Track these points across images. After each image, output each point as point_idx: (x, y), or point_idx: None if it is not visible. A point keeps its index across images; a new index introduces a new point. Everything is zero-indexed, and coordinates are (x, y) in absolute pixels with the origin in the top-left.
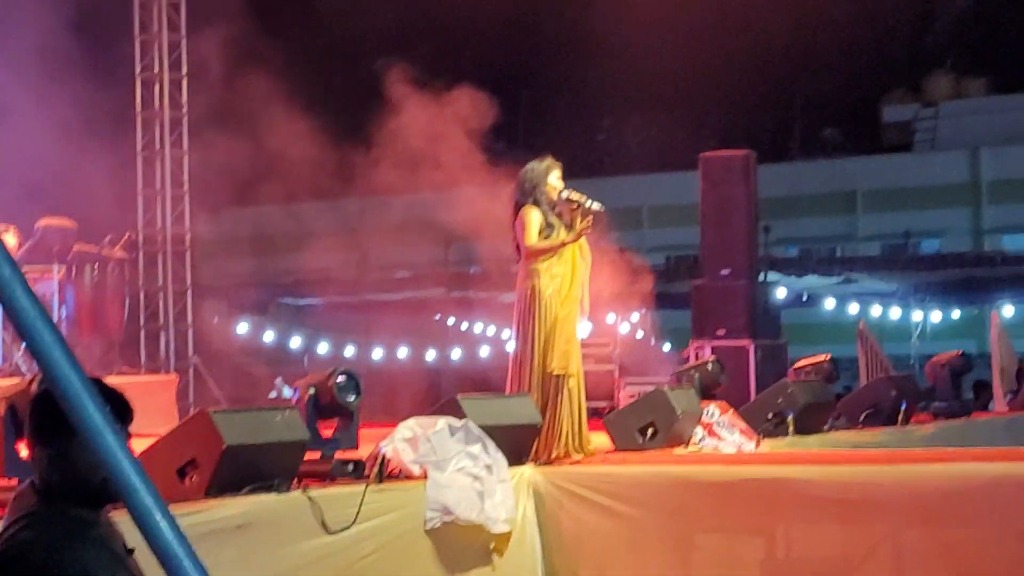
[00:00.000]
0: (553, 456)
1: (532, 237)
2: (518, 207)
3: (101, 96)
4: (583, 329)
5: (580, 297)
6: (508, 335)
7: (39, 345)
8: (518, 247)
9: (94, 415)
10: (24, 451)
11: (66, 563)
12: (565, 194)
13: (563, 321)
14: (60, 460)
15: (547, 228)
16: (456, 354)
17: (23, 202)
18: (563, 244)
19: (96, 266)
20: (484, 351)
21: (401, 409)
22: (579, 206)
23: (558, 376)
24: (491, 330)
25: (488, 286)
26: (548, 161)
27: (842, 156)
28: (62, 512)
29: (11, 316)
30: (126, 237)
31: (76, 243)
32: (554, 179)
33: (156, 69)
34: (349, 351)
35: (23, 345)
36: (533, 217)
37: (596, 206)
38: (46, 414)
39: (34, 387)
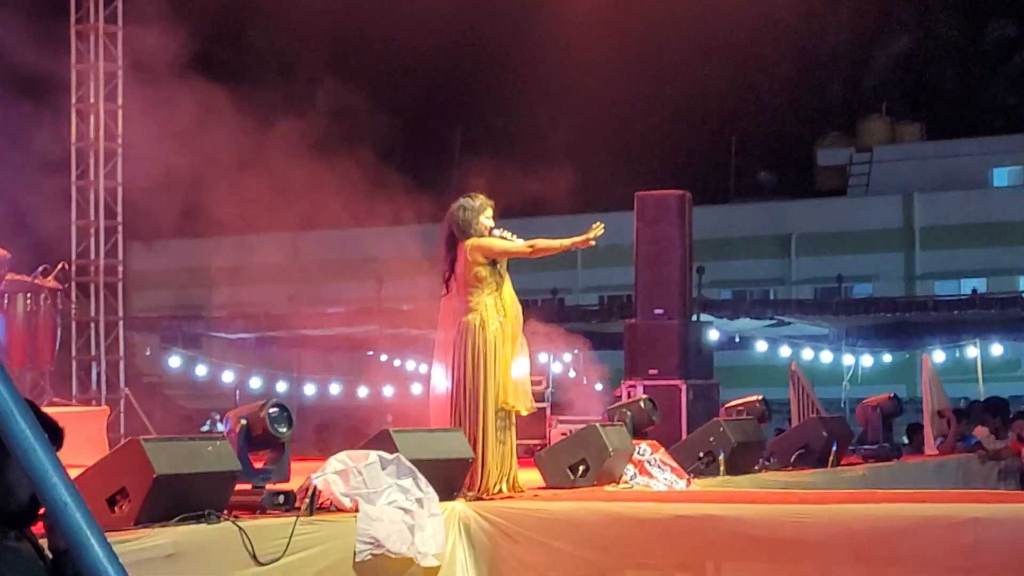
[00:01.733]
0: (483, 491)
1: (516, 244)
2: (453, 242)
3: (36, 125)
4: (521, 367)
5: (518, 334)
6: (437, 370)
7: None
8: (447, 282)
9: (25, 431)
10: None
11: None
12: (497, 233)
13: (507, 356)
14: None
15: (490, 263)
16: (388, 391)
17: None
18: (574, 244)
19: (29, 296)
20: (416, 388)
21: (332, 444)
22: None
23: (506, 411)
24: (423, 367)
25: (420, 323)
26: (481, 199)
27: (777, 199)
28: None
29: None
30: (59, 267)
31: (8, 272)
32: (486, 218)
33: (92, 99)
34: (281, 386)
35: None
36: (480, 242)
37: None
38: None
39: None
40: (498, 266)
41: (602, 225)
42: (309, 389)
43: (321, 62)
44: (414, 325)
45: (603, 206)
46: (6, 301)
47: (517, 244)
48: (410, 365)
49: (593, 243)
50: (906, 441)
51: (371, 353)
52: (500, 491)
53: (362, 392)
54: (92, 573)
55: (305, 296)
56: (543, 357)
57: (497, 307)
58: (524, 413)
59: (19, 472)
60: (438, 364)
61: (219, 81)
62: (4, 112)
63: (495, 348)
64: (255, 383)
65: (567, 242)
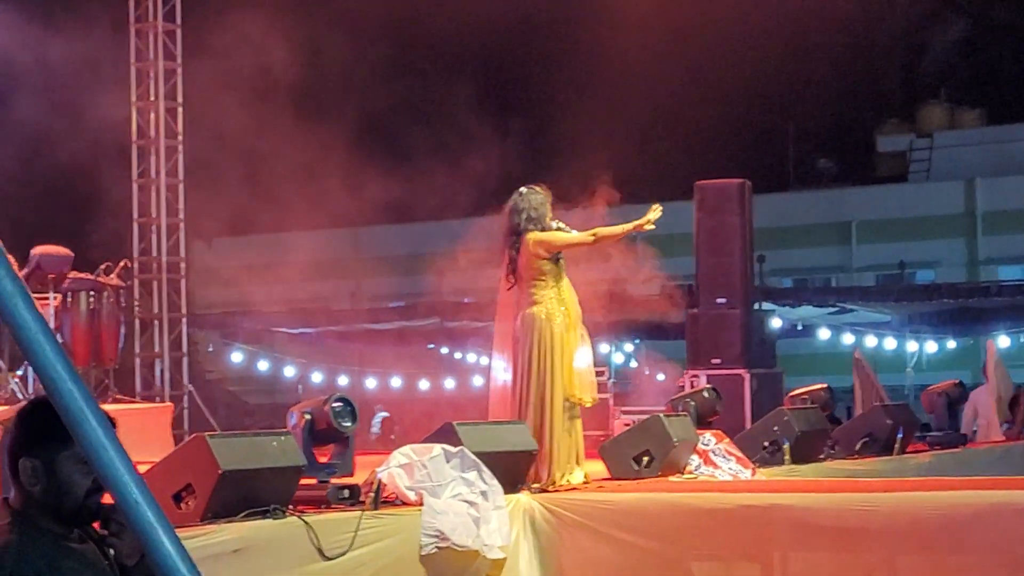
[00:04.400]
0: (549, 483)
1: (578, 235)
2: (519, 232)
3: (98, 125)
4: (583, 358)
5: (579, 325)
6: (497, 362)
7: (41, 359)
8: (509, 274)
9: (96, 429)
10: None
11: (39, 566)
12: (554, 225)
13: (571, 348)
14: (45, 472)
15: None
16: (449, 384)
17: (18, 230)
18: (635, 227)
19: (92, 294)
20: (477, 380)
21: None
22: None
23: (572, 403)
24: (484, 360)
25: (480, 316)
26: (542, 191)
27: (837, 186)
28: (36, 525)
29: (12, 330)
30: (122, 265)
31: (72, 271)
32: (547, 210)
33: (152, 97)
34: (343, 381)
35: (18, 372)
36: (551, 233)
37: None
38: (34, 425)
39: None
40: (560, 259)
41: (660, 207)
42: (370, 383)
43: (377, 56)
44: (474, 318)
45: (662, 196)
46: (69, 299)
47: (580, 235)
48: (471, 358)
49: (653, 226)
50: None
51: (431, 346)
52: (567, 483)
53: (423, 385)
54: (164, 570)
55: (366, 291)
56: (604, 348)
57: (559, 299)
58: (589, 404)
59: (72, 469)
60: (498, 356)
61: (279, 77)
62: (65, 111)
63: (560, 340)
64: (316, 378)
65: (628, 226)
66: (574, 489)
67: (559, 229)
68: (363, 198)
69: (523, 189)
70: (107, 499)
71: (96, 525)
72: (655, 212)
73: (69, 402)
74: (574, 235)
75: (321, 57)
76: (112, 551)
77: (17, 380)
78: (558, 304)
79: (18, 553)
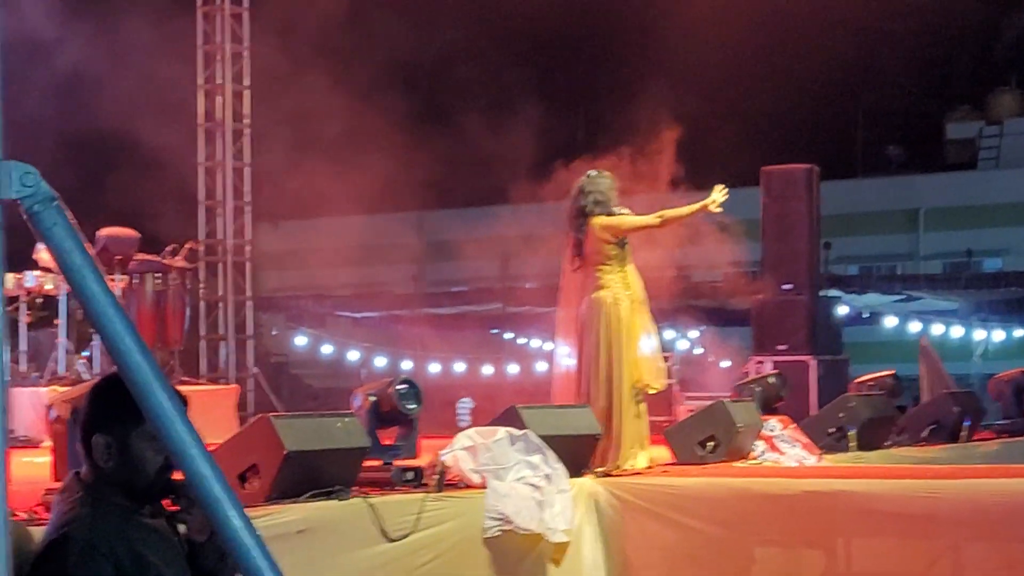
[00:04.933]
0: (615, 468)
1: (645, 219)
2: (584, 215)
3: (164, 107)
4: (649, 343)
5: (644, 311)
6: (563, 348)
7: (111, 332)
8: (575, 257)
9: (165, 404)
10: None
11: (113, 542)
12: (617, 211)
13: (637, 333)
14: (118, 448)
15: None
16: (512, 369)
17: (85, 212)
18: (701, 208)
19: (158, 276)
20: (540, 366)
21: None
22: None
23: (639, 387)
24: (548, 345)
25: (544, 301)
26: (609, 176)
27: (905, 173)
28: (108, 500)
29: (82, 303)
30: (188, 247)
31: (138, 253)
32: (613, 195)
33: (219, 80)
34: (406, 365)
35: (83, 353)
36: (618, 218)
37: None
38: (109, 401)
39: None
40: (625, 244)
41: (725, 188)
42: (433, 367)
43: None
44: (538, 303)
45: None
46: (136, 281)
47: (646, 218)
48: (534, 343)
49: (720, 208)
50: None
51: (495, 331)
52: (631, 468)
53: (486, 370)
54: (232, 544)
55: (429, 275)
56: (669, 334)
57: (624, 283)
58: (657, 390)
59: (144, 446)
60: (562, 342)
61: (344, 60)
62: (133, 94)
63: (627, 325)
64: (380, 362)
65: (695, 207)
66: (638, 474)
67: (623, 215)
68: (427, 182)
69: (592, 172)
70: (178, 477)
71: (167, 502)
72: (720, 193)
73: (138, 375)
74: (641, 218)
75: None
76: (183, 527)
77: (83, 361)
78: (624, 288)
79: (91, 527)
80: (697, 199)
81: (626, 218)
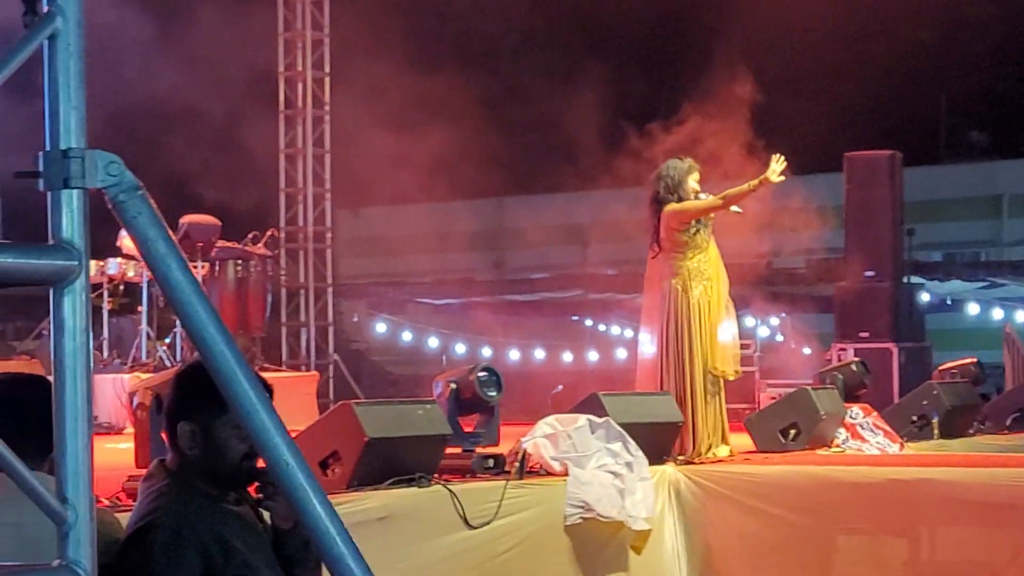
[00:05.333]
0: (694, 455)
1: (707, 201)
2: (660, 204)
3: (244, 95)
4: (728, 330)
5: (724, 298)
6: (644, 335)
7: (194, 321)
8: (654, 243)
9: (248, 392)
10: None
11: (199, 528)
12: (695, 197)
13: (713, 320)
14: (203, 436)
15: (695, 224)
16: (593, 356)
17: (167, 199)
18: (761, 182)
19: (239, 263)
20: (621, 353)
21: (540, 409)
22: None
23: (715, 375)
24: (629, 332)
25: (626, 288)
26: (689, 162)
27: (989, 160)
28: (193, 487)
29: (166, 292)
30: (269, 234)
31: (219, 240)
32: (693, 182)
33: (299, 67)
34: (486, 352)
35: (166, 340)
36: (683, 204)
37: (734, 209)
38: (193, 389)
39: None
40: (702, 229)
41: (782, 157)
42: (513, 354)
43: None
44: (619, 290)
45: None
46: (217, 268)
47: (710, 200)
48: (615, 330)
49: (781, 176)
50: None
51: (576, 318)
52: (712, 456)
53: (567, 357)
54: (314, 531)
55: (510, 262)
56: (751, 321)
57: (701, 270)
58: (732, 378)
59: (229, 434)
60: (644, 328)
61: (425, 46)
62: (213, 81)
63: (699, 312)
64: (460, 349)
65: (754, 182)
66: (720, 461)
67: (694, 201)
68: (508, 168)
69: (670, 160)
70: (262, 464)
71: (252, 490)
72: (778, 163)
73: (221, 363)
74: (704, 201)
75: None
76: (268, 514)
77: (165, 348)
78: (699, 275)
79: (177, 514)
80: (780, 185)
81: (688, 203)
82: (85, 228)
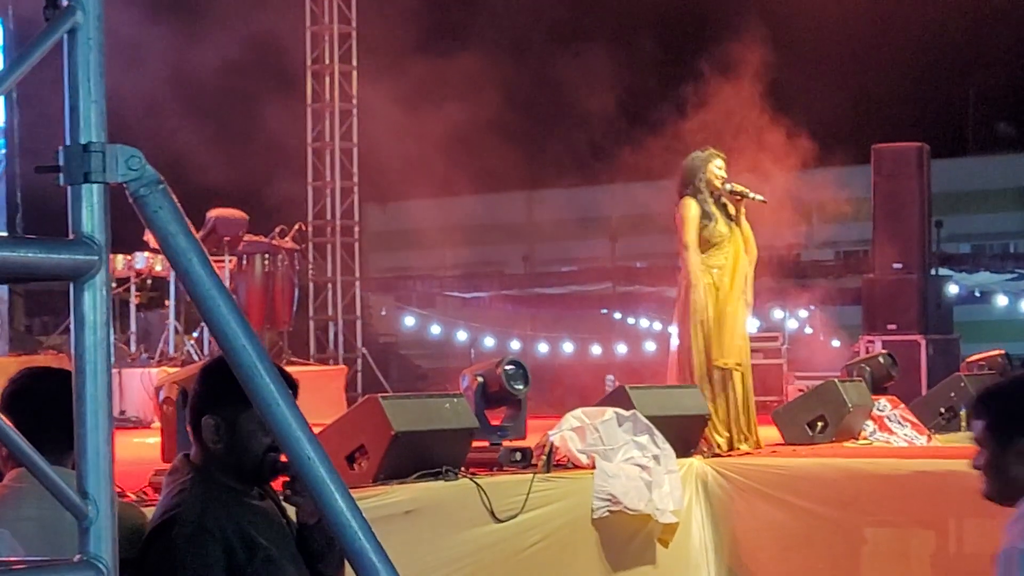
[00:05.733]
0: (716, 448)
1: (688, 232)
2: (681, 198)
3: (272, 89)
4: (740, 325)
5: (743, 291)
6: (672, 329)
7: (216, 315)
8: (678, 237)
9: (269, 385)
10: None
11: (222, 523)
12: (729, 187)
13: (725, 314)
14: (227, 430)
15: (705, 218)
16: (621, 349)
17: (194, 193)
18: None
19: (266, 257)
20: (650, 346)
21: (567, 402)
22: (743, 198)
23: (723, 369)
24: (657, 325)
25: (654, 280)
26: (709, 151)
27: (1017, 152)
28: (217, 481)
29: (187, 286)
30: (296, 228)
31: (247, 234)
32: (716, 168)
33: (327, 61)
34: (515, 345)
35: (194, 334)
36: (691, 210)
37: (759, 198)
38: (218, 383)
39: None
40: (711, 224)
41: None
42: (542, 347)
43: (552, 19)
44: (648, 282)
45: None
46: (244, 262)
47: (686, 238)
48: (643, 323)
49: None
50: None
51: (605, 311)
52: (734, 448)
53: (595, 350)
54: (336, 526)
55: (539, 255)
56: (778, 313)
57: (711, 264)
58: (731, 367)
59: (253, 428)
60: (673, 322)
61: (454, 43)
62: (242, 76)
63: (702, 307)
64: (488, 342)
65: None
66: (747, 454)
67: (733, 192)
68: (537, 161)
69: (695, 151)
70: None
71: (278, 485)
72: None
73: (243, 358)
74: (687, 227)
75: (495, 18)
76: (294, 509)
77: (192, 342)
78: (708, 269)
79: (202, 507)
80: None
81: (688, 219)
82: (106, 223)
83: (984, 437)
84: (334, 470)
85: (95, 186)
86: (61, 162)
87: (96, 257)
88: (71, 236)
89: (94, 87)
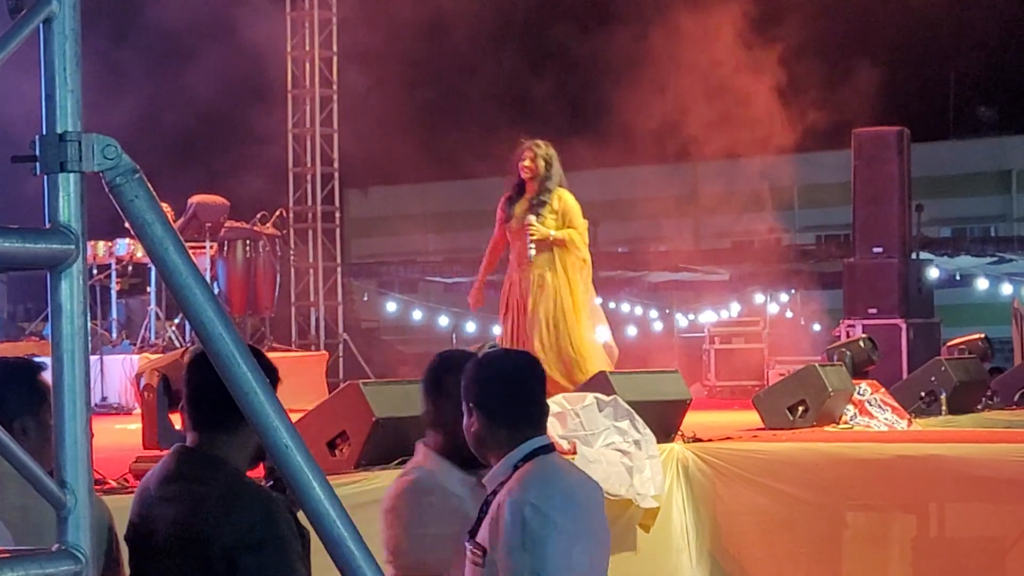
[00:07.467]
0: None
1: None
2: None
3: (252, 74)
4: None
5: None
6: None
7: (192, 303)
8: None
9: (246, 374)
10: (179, 423)
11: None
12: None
13: None
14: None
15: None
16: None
17: (175, 180)
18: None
19: (248, 243)
20: (631, 330)
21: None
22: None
23: None
24: (638, 310)
25: (635, 265)
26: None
27: (998, 135)
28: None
29: (163, 274)
30: (277, 214)
31: (228, 220)
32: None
33: (307, 47)
34: (496, 330)
35: (175, 320)
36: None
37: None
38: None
39: (186, 358)
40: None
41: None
42: None
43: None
44: (628, 268)
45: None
46: (226, 248)
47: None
48: (624, 308)
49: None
50: None
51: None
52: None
53: None
54: (313, 515)
55: None
56: (759, 298)
57: None
58: None
59: None
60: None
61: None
62: (221, 61)
63: None
64: (471, 327)
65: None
66: (728, 439)
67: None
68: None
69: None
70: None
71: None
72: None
73: (220, 346)
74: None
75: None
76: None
77: (174, 328)
78: None
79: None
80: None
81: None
82: (82, 212)
83: None
84: (312, 459)
85: (71, 175)
86: (37, 151)
87: (73, 246)
88: (47, 225)
89: (70, 76)
